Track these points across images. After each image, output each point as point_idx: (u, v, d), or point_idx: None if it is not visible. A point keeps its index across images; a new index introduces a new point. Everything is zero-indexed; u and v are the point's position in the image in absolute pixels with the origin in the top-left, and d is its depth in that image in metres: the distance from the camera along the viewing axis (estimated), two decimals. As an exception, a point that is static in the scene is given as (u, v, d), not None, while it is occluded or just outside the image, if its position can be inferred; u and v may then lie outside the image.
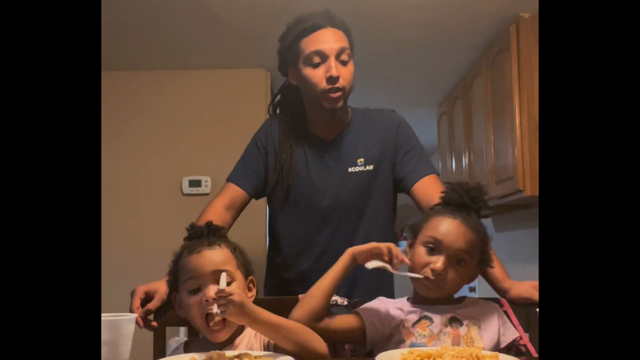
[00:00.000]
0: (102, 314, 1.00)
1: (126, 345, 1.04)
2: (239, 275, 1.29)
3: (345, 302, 1.59)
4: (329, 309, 1.60)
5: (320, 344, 1.19)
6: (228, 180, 1.77)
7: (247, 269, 1.34)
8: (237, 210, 1.76)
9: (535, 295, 1.43)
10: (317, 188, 1.70)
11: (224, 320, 1.23)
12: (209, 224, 1.36)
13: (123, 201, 3.32)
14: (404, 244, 1.52)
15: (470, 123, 3.45)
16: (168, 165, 3.37)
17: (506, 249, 3.41)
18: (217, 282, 1.20)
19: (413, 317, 1.34)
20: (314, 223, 1.70)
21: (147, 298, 1.45)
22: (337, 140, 1.72)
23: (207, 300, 1.23)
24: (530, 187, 2.62)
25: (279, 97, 1.84)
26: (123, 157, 3.36)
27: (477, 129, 3.34)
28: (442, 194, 1.41)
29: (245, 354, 1.14)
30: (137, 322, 1.37)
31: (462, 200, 1.36)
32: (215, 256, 1.28)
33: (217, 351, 1.15)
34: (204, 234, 1.33)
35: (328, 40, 1.60)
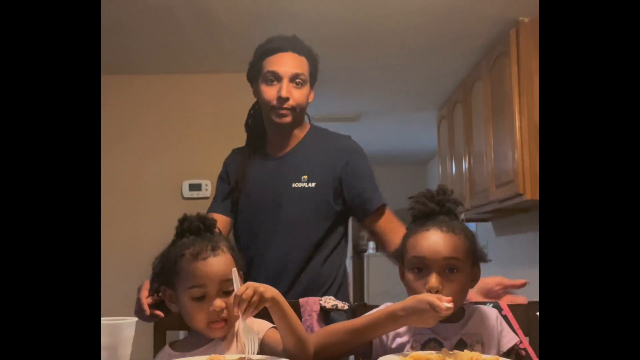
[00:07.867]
0: (102, 318, 1.00)
1: (126, 349, 1.04)
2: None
3: (346, 307, 1.59)
4: (329, 315, 1.59)
5: (311, 347, 1.22)
6: (208, 212, 1.80)
7: (239, 263, 1.33)
8: (226, 234, 1.80)
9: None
10: (261, 204, 1.76)
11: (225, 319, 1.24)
12: (203, 218, 1.34)
13: (123, 205, 3.33)
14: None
15: (470, 127, 3.45)
16: (168, 168, 3.37)
17: (506, 252, 3.41)
18: (223, 292, 1.23)
19: (421, 338, 1.28)
20: (262, 239, 1.74)
21: None
22: (286, 156, 1.79)
23: (214, 310, 1.22)
24: (530, 190, 2.62)
25: (252, 112, 1.96)
26: (123, 161, 3.36)
27: (477, 133, 3.34)
28: (410, 210, 1.35)
29: (245, 358, 1.14)
30: (142, 310, 1.37)
31: (428, 208, 1.30)
32: (220, 265, 1.26)
33: (217, 355, 1.15)
34: (201, 231, 1.32)
35: (286, 63, 1.73)
